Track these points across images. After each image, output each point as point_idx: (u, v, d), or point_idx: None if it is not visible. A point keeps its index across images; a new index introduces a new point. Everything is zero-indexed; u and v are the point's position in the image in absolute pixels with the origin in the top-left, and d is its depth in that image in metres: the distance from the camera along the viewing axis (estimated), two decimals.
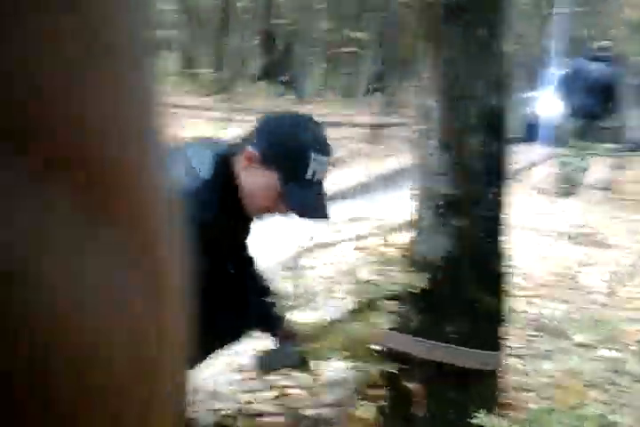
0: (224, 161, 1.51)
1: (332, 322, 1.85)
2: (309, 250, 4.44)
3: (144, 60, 0.18)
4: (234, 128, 10.67)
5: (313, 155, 1.43)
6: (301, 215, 1.47)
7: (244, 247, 1.76)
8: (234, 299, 1.67)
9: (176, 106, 11.75)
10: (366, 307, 1.90)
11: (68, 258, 0.15)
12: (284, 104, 14.18)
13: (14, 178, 0.14)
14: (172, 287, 0.18)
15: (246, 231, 1.72)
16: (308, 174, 1.42)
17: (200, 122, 10.89)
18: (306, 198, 1.43)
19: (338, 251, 4.43)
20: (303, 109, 13.47)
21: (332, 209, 1.56)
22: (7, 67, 0.14)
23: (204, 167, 1.47)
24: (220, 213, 1.48)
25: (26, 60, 0.14)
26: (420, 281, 1.86)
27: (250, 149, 1.47)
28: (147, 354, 0.17)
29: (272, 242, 4.76)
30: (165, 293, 0.18)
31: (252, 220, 1.66)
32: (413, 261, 1.92)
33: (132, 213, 0.17)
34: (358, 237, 4.69)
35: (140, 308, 0.16)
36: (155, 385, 0.17)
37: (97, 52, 0.16)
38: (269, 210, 1.51)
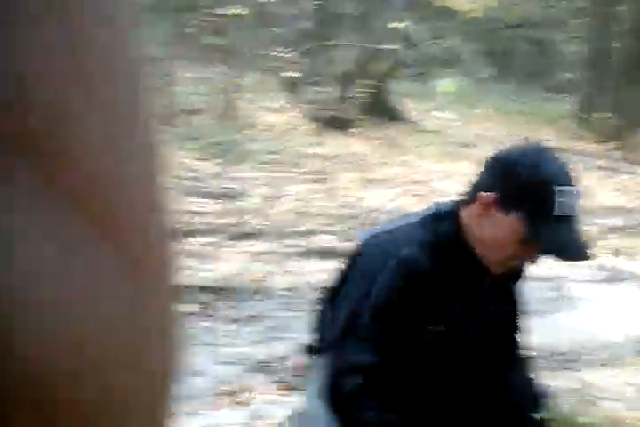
0: (449, 216, 1.29)
1: None
2: None
3: (137, 75, 0.18)
4: (621, 179, 9.67)
5: (558, 187, 1.19)
6: (557, 256, 1.25)
7: (502, 335, 1.42)
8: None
9: (566, 151, 11.26)
10: None
11: (53, 267, 0.15)
12: None
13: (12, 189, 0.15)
14: (164, 303, 0.18)
15: (495, 304, 1.39)
16: (557, 210, 1.19)
17: (590, 170, 10.19)
18: (559, 237, 1.20)
19: None
20: None
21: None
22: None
23: (420, 231, 1.28)
24: (449, 279, 1.26)
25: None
26: None
27: (484, 193, 1.23)
28: (131, 363, 0.17)
29: (621, 310, 4.08)
30: (154, 308, 0.18)
31: (499, 288, 1.36)
32: None
33: (125, 226, 0.17)
34: None
35: (127, 320, 0.17)
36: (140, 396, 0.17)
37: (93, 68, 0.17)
38: (516, 258, 1.26)
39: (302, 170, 6.61)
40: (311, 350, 1.56)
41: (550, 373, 2.93)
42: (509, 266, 1.31)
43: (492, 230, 1.24)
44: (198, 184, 5.29)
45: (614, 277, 5.00)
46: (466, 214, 1.28)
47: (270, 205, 5.24)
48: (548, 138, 12.41)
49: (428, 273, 1.25)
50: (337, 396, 1.26)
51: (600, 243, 6.32)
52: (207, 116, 7.81)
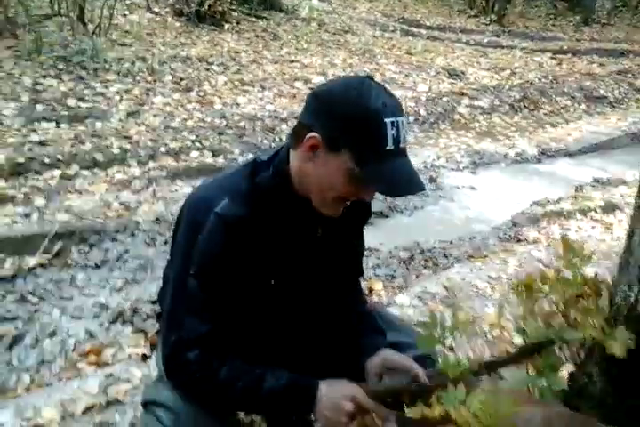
0: (271, 163, 1.22)
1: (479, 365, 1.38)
2: (535, 218, 3.80)
3: None
4: (498, 55, 9.72)
5: (385, 119, 1.11)
6: (391, 194, 1.26)
7: (333, 271, 1.37)
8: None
9: (444, 29, 11.11)
10: (530, 351, 1.43)
11: None
12: (566, 26, 12.46)
13: None
14: None
15: (334, 247, 1.34)
16: (388, 144, 1.12)
17: (466, 48, 10.16)
18: (393, 172, 1.13)
19: (572, 225, 3.71)
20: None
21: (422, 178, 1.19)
22: None
23: (240, 182, 1.20)
24: (275, 229, 1.21)
25: None
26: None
27: (309, 134, 1.14)
28: None
29: (490, 201, 4.22)
30: None
31: (341, 228, 1.32)
32: (615, 285, 1.38)
33: None
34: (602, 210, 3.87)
35: None
36: None
37: None
38: (350, 197, 1.20)
39: (169, 78, 6.13)
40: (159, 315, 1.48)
41: (417, 273, 3.02)
42: (343, 206, 1.24)
43: (323, 171, 1.15)
44: (47, 106, 4.78)
45: (482, 162, 5.12)
46: (294, 157, 1.19)
47: (134, 122, 4.85)
48: (426, 15, 12.21)
49: (249, 225, 1.17)
50: (180, 370, 1.21)
51: (471, 125, 6.46)
52: (57, 24, 6.97)
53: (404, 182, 1.14)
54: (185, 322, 1.18)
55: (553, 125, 6.56)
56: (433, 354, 1.41)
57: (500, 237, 3.52)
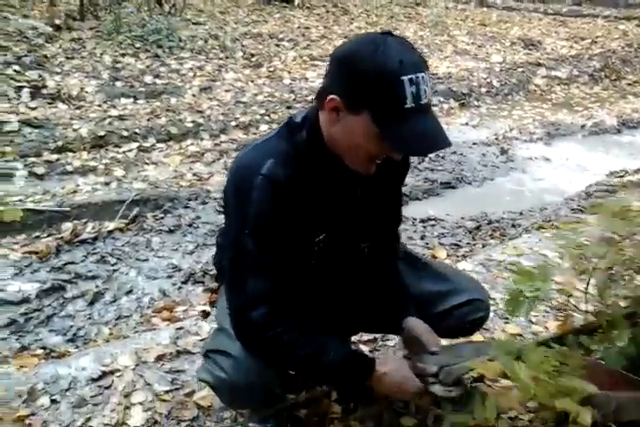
0: (304, 125, 1.22)
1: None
2: (612, 189, 3.65)
3: None
4: (577, 25, 9.27)
5: (403, 77, 1.07)
6: (412, 153, 1.23)
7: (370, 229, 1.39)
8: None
9: None
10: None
11: None
12: None
13: None
14: None
15: (374, 200, 1.35)
16: (408, 102, 1.08)
17: (543, 18, 9.75)
18: (413, 131, 1.09)
19: None
20: None
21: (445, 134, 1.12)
22: None
23: (279, 144, 1.21)
24: (318, 186, 1.23)
25: None
26: None
27: (329, 97, 1.13)
28: None
29: (565, 172, 4.08)
30: None
31: (380, 181, 1.32)
32: None
33: None
34: None
35: None
36: None
37: None
38: (379, 156, 1.19)
39: (240, 54, 6.23)
40: (217, 275, 1.55)
41: (483, 243, 2.98)
42: (375, 164, 1.23)
43: (347, 132, 1.15)
44: (126, 83, 4.98)
45: (558, 133, 4.95)
46: (322, 119, 1.20)
47: (206, 97, 4.98)
48: None
49: (295, 184, 1.20)
50: (247, 331, 1.24)
51: (547, 96, 6.23)
52: (135, 5, 7.21)
53: (426, 140, 1.11)
54: (247, 282, 1.21)
55: (636, 96, 6.24)
56: (485, 298, 1.45)
57: (572, 209, 3.41)
